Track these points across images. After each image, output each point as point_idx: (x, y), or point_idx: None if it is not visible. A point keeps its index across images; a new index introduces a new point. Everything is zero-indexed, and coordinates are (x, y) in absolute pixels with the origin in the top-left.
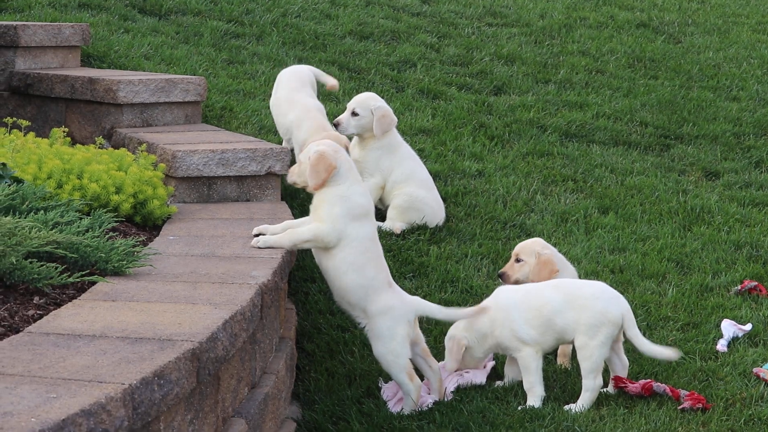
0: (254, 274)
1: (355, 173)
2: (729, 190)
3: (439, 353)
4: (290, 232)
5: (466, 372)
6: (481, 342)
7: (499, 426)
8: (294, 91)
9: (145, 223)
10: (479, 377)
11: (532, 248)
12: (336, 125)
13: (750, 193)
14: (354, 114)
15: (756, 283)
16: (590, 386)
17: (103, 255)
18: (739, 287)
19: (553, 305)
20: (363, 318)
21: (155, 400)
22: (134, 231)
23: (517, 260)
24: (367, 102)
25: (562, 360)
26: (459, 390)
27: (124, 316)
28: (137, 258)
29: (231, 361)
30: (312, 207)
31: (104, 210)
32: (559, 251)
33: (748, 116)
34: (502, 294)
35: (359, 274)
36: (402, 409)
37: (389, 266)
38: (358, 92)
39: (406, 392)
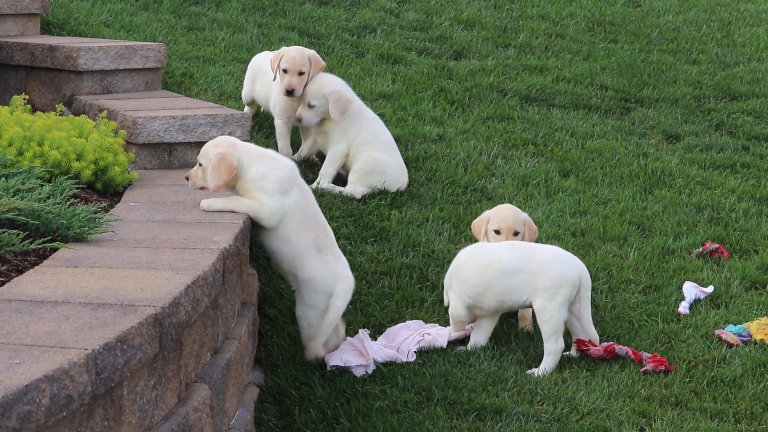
0: (216, 240)
1: (255, 151)
2: (689, 153)
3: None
4: (235, 199)
5: (428, 333)
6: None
7: (462, 390)
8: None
9: (106, 190)
10: (440, 340)
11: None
12: (298, 120)
13: (711, 156)
14: (311, 106)
15: (717, 245)
16: (552, 349)
17: (64, 221)
18: (701, 249)
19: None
20: (294, 283)
21: (118, 366)
22: (95, 198)
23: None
24: (320, 90)
25: (523, 323)
26: (421, 352)
27: (87, 282)
28: (99, 224)
29: (193, 327)
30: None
31: (65, 177)
32: None
33: (708, 79)
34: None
35: (287, 243)
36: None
37: (351, 231)
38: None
39: (306, 345)
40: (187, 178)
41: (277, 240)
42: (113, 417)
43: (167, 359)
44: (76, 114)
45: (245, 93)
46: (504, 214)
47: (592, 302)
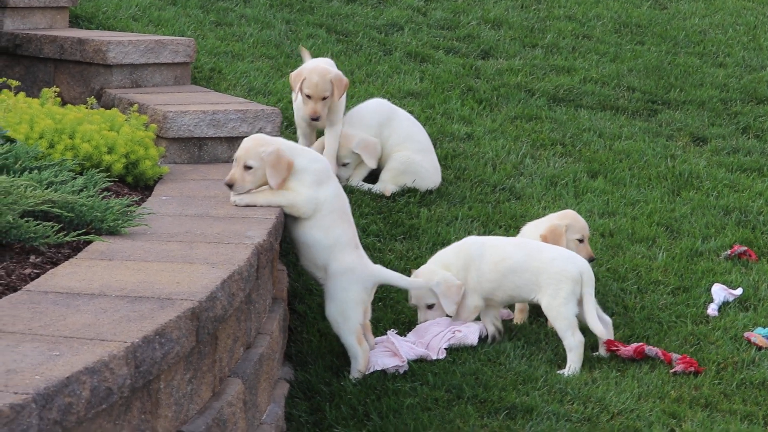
0: (249, 234)
1: (293, 146)
2: (717, 156)
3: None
4: (267, 192)
5: (458, 330)
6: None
7: (493, 388)
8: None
9: (136, 184)
10: (471, 337)
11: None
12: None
13: (738, 159)
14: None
15: (746, 248)
16: (571, 344)
17: (98, 214)
18: (729, 252)
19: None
20: (324, 277)
21: (156, 359)
22: (126, 191)
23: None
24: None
25: (519, 317)
26: (451, 350)
27: (122, 275)
28: (132, 218)
29: (228, 321)
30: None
31: (96, 170)
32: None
33: (734, 82)
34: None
35: (325, 234)
36: (351, 373)
37: (380, 228)
38: (346, 55)
39: (353, 355)
40: (231, 185)
41: (316, 230)
42: (150, 410)
43: (203, 353)
44: (106, 107)
45: None
46: (582, 222)
47: (621, 303)
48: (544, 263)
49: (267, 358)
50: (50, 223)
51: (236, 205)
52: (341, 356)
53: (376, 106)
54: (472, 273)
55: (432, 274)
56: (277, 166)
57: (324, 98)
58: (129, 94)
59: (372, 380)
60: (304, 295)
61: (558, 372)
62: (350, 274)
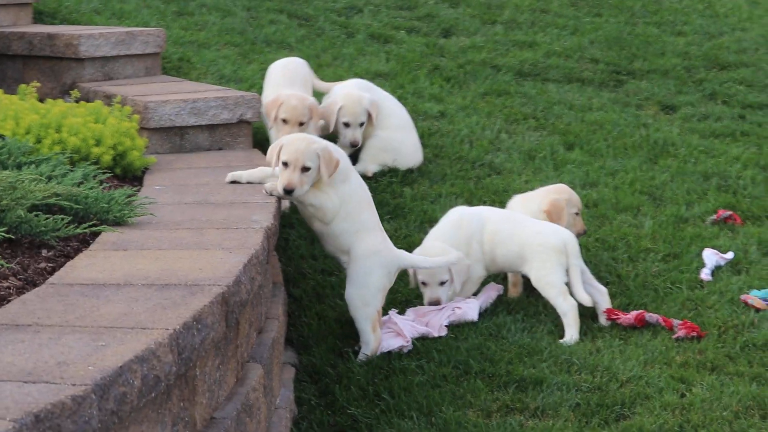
0: (255, 219)
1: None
2: (688, 123)
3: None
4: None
5: (458, 307)
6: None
7: (499, 362)
8: (281, 88)
9: (125, 175)
10: (471, 314)
11: None
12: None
13: (709, 125)
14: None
15: (730, 212)
16: (564, 309)
17: (104, 205)
18: (715, 217)
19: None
20: (347, 261)
21: (195, 345)
22: (116, 183)
23: None
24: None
25: (513, 291)
26: (451, 327)
27: (142, 264)
28: (137, 207)
29: (248, 306)
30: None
31: (85, 163)
32: (532, 188)
33: (695, 50)
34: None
35: (351, 222)
36: (360, 355)
37: None
38: (310, 39)
39: (365, 341)
40: (290, 191)
41: (343, 221)
42: (188, 398)
43: (228, 339)
44: (79, 101)
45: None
46: (576, 196)
47: (614, 272)
48: (529, 236)
49: (277, 342)
50: (60, 216)
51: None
52: (343, 338)
53: (356, 85)
54: (475, 245)
55: (445, 251)
56: (330, 163)
57: (301, 123)
58: (103, 87)
59: (378, 360)
60: (298, 280)
61: (559, 341)
62: (375, 257)
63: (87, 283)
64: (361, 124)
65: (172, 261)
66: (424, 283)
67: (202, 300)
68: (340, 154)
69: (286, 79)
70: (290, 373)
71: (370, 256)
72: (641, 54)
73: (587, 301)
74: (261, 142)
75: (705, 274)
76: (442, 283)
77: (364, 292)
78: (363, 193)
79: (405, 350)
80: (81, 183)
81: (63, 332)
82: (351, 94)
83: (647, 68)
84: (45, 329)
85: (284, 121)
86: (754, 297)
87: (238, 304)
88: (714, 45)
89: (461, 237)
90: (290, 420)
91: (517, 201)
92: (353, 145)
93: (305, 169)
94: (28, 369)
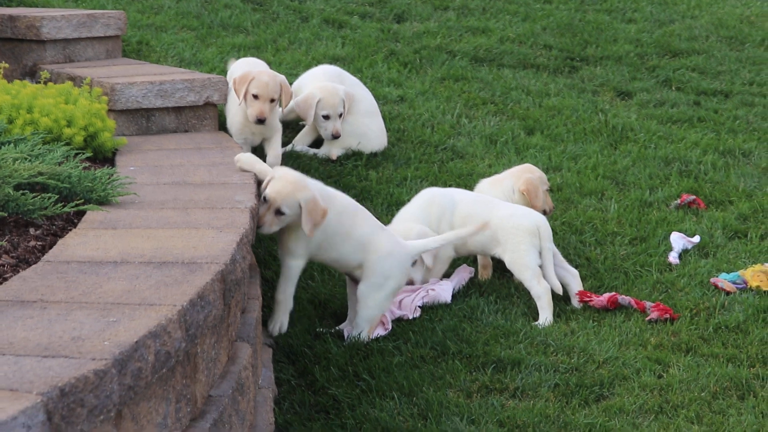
0: (239, 199)
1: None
2: (645, 109)
3: None
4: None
5: (431, 289)
6: None
7: (475, 343)
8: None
9: (95, 156)
10: (444, 295)
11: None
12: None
13: (666, 111)
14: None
15: (694, 197)
16: (539, 292)
17: (89, 184)
18: (679, 201)
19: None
20: (360, 274)
21: (199, 322)
22: (89, 164)
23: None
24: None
25: (483, 273)
26: (425, 309)
27: (134, 242)
28: (120, 187)
29: (240, 285)
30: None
31: (58, 143)
32: (496, 172)
33: (646, 37)
34: None
35: (356, 241)
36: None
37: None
38: (265, 24)
39: (358, 330)
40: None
41: (345, 245)
42: (190, 375)
43: (223, 317)
44: (42, 84)
45: None
46: (542, 173)
47: (583, 254)
48: (502, 219)
49: (258, 322)
50: (48, 195)
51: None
52: (319, 319)
53: (326, 70)
54: (444, 225)
55: (409, 231)
56: (315, 213)
57: (272, 100)
58: (66, 69)
59: (356, 341)
60: (269, 262)
61: (534, 323)
62: (390, 259)
63: (83, 260)
64: (340, 115)
65: (164, 240)
66: None
67: (203, 278)
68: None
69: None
70: (268, 353)
71: (386, 258)
72: (593, 40)
73: (558, 289)
74: (225, 125)
75: (673, 258)
76: (413, 263)
77: (381, 299)
78: (350, 207)
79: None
80: (61, 162)
81: (70, 308)
82: (327, 86)
83: (600, 54)
84: (51, 305)
85: (255, 96)
86: (723, 280)
87: (234, 283)
88: (665, 32)
89: (431, 217)
90: (272, 400)
91: (485, 185)
92: (335, 136)
93: (279, 213)
94: (44, 344)
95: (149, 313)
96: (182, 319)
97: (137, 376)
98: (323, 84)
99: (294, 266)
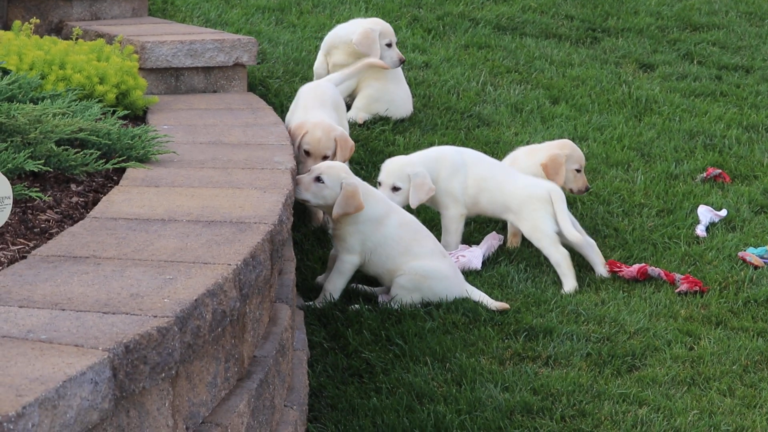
0: (278, 160)
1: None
2: (667, 82)
3: None
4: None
5: (462, 256)
6: None
7: (507, 310)
8: (309, 110)
9: (127, 114)
10: (475, 262)
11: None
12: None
13: (688, 84)
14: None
15: (720, 170)
16: (558, 259)
17: (129, 142)
18: (705, 175)
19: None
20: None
21: (251, 282)
22: (122, 122)
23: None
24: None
25: (513, 241)
26: None
27: (179, 200)
28: (160, 144)
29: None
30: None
31: (92, 101)
32: (521, 142)
33: (667, 10)
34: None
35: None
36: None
37: (361, 156)
38: None
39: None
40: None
41: (399, 255)
42: (238, 335)
43: (268, 278)
44: (67, 40)
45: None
46: (579, 153)
47: (611, 225)
48: (516, 188)
49: (293, 283)
50: (90, 151)
51: None
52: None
53: (356, 28)
54: (456, 183)
55: (410, 166)
56: (349, 201)
57: (325, 157)
58: (93, 26)
59: (387, 305)
60: (298, 224)
61: (562, 292)
62: (445, 281)
63: (131, 217)
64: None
65: (208, 198)
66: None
67: (254, 237)
68: (378, 203)
69: (317, 102)
70: (300, 316)
71: (440, 279)
72: (614, 12)
73: (579, 240)
74: (254, 86)
75: (700, 230)
76: (396, 189)
77: (416, 297)
78: (413, 225)
79: None
80: (98, 120)
81: (125, 265)
82: (378, 20)
83: (621, 26)
84: (105, 262)
85: (306, 153)
86: (751, 254)
87: (280, 243)
88: (685, 6)
89: (443, 171)
90: (306, 362)
91: (521, 153)
92: (402, 60)
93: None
94: (103, 300)
95: (204, 272)
96: (237, 279)
97: (196, 335)
98: (373, 19)
99: (348, 261)
